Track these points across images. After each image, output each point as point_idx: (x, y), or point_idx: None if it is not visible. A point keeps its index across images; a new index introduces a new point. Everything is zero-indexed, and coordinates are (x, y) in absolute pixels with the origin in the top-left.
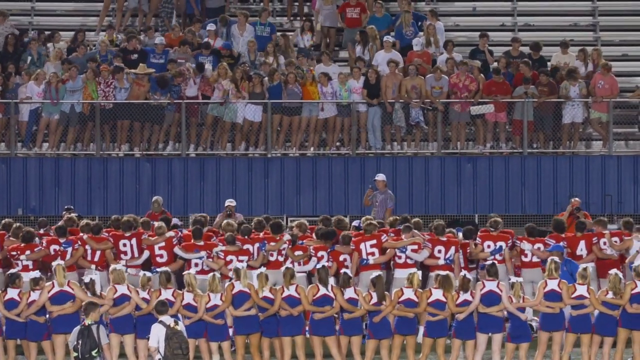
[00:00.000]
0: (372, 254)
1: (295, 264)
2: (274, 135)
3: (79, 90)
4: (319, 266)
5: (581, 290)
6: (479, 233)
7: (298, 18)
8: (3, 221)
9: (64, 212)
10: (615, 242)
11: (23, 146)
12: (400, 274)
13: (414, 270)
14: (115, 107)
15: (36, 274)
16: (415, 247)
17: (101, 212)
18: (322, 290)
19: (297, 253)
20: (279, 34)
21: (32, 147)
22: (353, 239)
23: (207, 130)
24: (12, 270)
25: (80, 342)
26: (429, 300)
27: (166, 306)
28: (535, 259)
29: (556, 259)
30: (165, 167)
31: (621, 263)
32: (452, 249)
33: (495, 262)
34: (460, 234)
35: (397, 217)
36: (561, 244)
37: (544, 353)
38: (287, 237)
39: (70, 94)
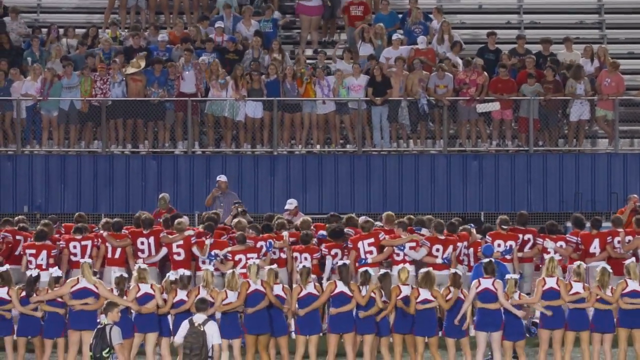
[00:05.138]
0: (370, 252)
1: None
2: (279, 133)
3: (75, 88)
4: (340, 263)
5: (577, 287)
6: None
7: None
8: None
9: (232, 207)
10: (629, 241)
11: (26, 143)
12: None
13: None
14: (114, 103)
15: (56, 271)
16: (414, 244)
17: (107, 210)
18: (340, 287)
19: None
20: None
21: (26, 144)
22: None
23: (210, 130)
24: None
25: (94, 341)
26: (418, 300)
27: (205, 304)
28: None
29: (556, 256)
30: (171, 165)
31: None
32: (450, 247)
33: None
34: (474, 231)
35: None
36: (577, 239)
37: (546, 351)
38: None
39: (67, 90)
